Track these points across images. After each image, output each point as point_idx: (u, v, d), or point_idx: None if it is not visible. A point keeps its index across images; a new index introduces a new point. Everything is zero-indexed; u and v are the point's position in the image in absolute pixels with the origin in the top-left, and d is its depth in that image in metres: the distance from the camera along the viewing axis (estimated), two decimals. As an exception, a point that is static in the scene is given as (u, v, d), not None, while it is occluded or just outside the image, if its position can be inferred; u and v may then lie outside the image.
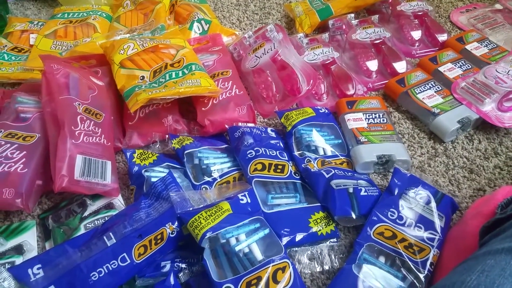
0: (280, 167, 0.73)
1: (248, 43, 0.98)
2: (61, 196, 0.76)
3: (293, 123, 0.79)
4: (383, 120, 0.81)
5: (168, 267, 0.61)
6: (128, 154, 0.74)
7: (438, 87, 0.87)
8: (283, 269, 0.57)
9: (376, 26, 1.00)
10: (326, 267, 0.64)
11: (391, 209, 0.66)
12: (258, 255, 0.59)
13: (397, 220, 0.65)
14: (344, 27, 1.03)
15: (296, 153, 0.76)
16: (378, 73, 0.95)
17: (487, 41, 0.97)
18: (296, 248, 0.65)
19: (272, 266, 0.57)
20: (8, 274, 0.57)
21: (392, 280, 0.59)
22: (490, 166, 0.78)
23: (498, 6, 1.12)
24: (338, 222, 0.68)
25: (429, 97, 0.85)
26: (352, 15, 1.04)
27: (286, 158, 0.75)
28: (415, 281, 0.58)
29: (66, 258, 0.59)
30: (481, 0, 1.18)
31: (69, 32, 1.06)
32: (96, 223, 0.67)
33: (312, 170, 0.72)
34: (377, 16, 1.05)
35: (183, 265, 0.61)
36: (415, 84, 0.88)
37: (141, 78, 0.82)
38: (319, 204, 0.70)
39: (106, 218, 0.67)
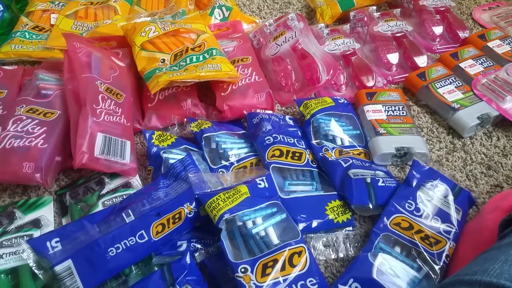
0: (297, 154, 0.73)
1: (268, 31, 0.97)
2: (78, 173, 0.77)
3: (312, 112, 0.79)
4: (403, 113, 0.81)
5: (184, 246, 0.61)
6: (147, 135, 0.74)
7: (458, 83, 0.86)
8: (299, 253, 0.57)
9: (398, 19, 0.99)
10: (341, 255, 0.64)
11: (409, 201, 0.65)
12: (274, 238, 0.59)
13: (414, 212, 0.64)
14: (365, 19, 1.02)
15: (314, 141, 0.76)
16: (399, 67, 0.94)
17: (510, 39, 0.96)
18: (312, 235, 0.65)
19: (289, 249, 0.57)
20: (28, 246, 0.58)
21: (407, 270, 0.59)
22: (508, 163, 0.77)
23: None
24: (354, 211, 0.68)
25: (449, 92, 0.84)
26: (374, 7, 1.04)
27: (304, 146, 0.75)
28: (430, 272, 0.58)
29: (84, 233, 0.59)
30: (504, -2, 1.17)
31: (89, 13, 1.06)
32: (114, 201, 0.68)
33: (329, 159, 0.72)
34: (399, 10, 1.04)
35: (199, 246, 0.62)
36: (435, 78, 0.87)
37: (162, 61, 0.82)
38: (335, 192, 0.70)
39: (124, 197, 0.68)
